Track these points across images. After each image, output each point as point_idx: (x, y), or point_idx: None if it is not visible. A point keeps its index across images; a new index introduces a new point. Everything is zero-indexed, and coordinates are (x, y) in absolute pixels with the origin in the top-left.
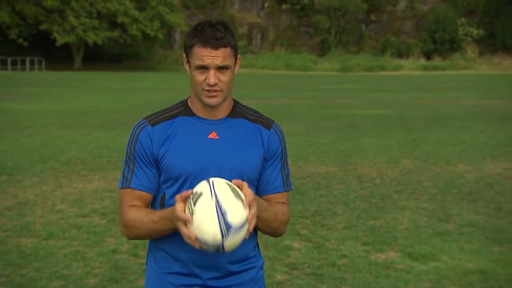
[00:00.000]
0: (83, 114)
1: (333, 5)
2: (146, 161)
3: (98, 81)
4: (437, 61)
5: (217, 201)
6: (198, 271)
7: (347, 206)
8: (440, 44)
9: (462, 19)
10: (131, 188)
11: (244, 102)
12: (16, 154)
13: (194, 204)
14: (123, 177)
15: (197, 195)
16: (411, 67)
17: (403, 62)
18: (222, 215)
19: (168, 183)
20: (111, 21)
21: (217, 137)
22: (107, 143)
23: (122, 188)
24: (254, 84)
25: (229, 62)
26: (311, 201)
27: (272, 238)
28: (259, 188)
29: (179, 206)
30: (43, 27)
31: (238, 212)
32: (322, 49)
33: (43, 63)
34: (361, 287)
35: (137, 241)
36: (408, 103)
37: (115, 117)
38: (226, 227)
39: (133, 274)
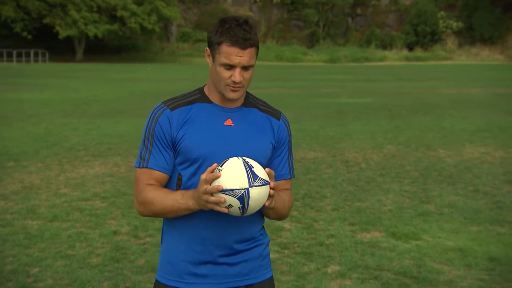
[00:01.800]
0: (85, 103)
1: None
2: (164, 143)
3: (98, 72)
4: (419, 52)
5: (244, 159)
6: (210, 248)
7: (335, 189)
8: (421, 36)
9: (442, 13)
10: (149, 168)
11: None
12: (21, 141)
13: (221, 166)
14: (141, 157)
15: (224, 162)
16: (394, 58)
17: (387, 53)
18: (249, 167)
19: (185, 165)
20: (111, 15)
21: (233, 124)
22: (107, 131)
23: (139, 167)
24: None
25: (253, 61)
26: (301, 185)
27: (266, 220)
28: None
29: (203, 176)
30: (46, 21)
31: (262, 170)
32: (311, 41)
33: (47, 55)
34: (348, 265)
35: (137, 223)
36: (392, 92)
37: (115, 106)
38: (252, 176)
39: (133, 254)
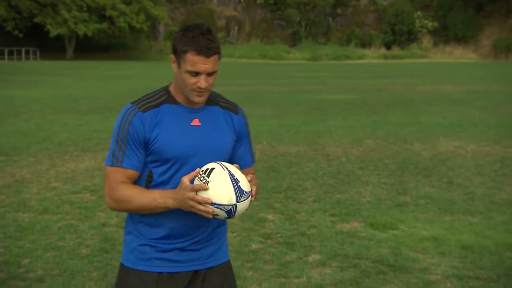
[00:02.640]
0: (75, 100)
1: (303, 0)
2: (138, 143)
3: (88, 69)
4: (396, 50)
5: (229, 172)
6: (178, 237)
7: (316, 182)
8: (399, 35)
9: (419, 13)
10: (123, 167)
11: (223, 89)
12: (13, 136)
13: (208, 176)
14: (114, 156)
15: (208, 170)
16: (373, 56)
17: (366, 51)
18: (236, 182)
19: (156, 163)
20: (100, 14)
21: (199, 124)
22: (96, 126)
23: (112, 166)
24: (232, 72)
25: (217, 67)
26: (283, 178)
27: (248, 212)
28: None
29: (188, 183)
30: (37, 20)
31: (246, 182)
32: (294, 40)
33: (38, 53)
34: (328, 254)
35: (125, 215)
36: (371, 89)
37: (104, 103)
38: (239, 191)
39: (122, 245)
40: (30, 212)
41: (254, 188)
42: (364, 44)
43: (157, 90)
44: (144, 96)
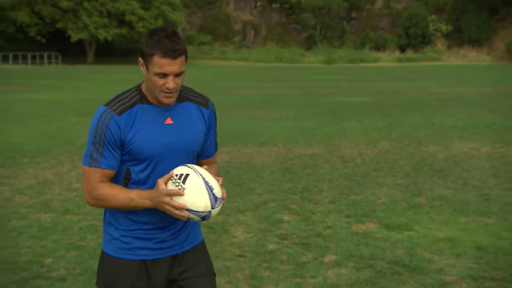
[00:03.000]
0: (95, 103)
1: (318, 4)
2: (114, 145)
3: (108, 73)
4: (410, 53)
5: (204, 179)
6: (157, 228)
7: (331, 183)
8: (413, 39)
9: (433, 16)
10: (101, 168)
11: (239, 91)
12: (35, 139)
13: (183, 183)
14: (91, 157)
15: (183, 176)
16: (387, 59)
17: (381, 54)
18: (211, 190)
19: (133, 162)
20: (120, 20)
21: (172, 122)
22: None
23: (90, 166)
24: (248, 76)
25: (184, 67)
26: (299, 179)
27: (265, 213)
28: (199, 154)
29: (163, 186)
30: (59, 25)
31: (219, 188)
32: (309, 44)
33: (59, 57)
34: (344, 255)
35: None
36: (385, 91)
37: None
38: (214, 199)
39: None
40: (52, 212)
41: (224, 191)
42: (378, 48)
43: (130, 90)
44: (117, 97)
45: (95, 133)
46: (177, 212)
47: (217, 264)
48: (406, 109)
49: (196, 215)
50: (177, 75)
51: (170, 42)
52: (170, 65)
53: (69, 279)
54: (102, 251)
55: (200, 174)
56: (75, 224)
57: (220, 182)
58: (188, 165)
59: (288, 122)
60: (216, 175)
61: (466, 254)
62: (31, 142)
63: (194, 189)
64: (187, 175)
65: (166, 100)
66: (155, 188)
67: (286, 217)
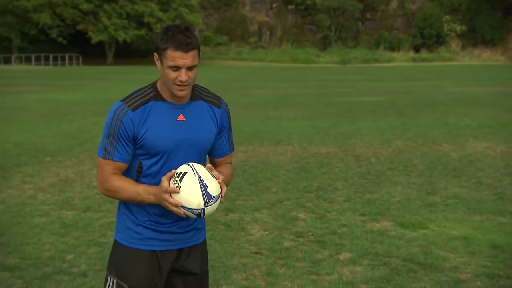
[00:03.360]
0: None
1: (333, 5)
2: (127, 139)
3: (127, 74)
4: (424, 53)
5: (200, 177)
6: (166, 221)
7: (346, 182)
8: (427, 39)
9: (447, 17)
10: (114, 160)
11: (255, 92)
12: (57, 138)
13: (180, 180)
14: (105, 150)
15: (181, 174)
16: (402, 59)
17: (395, 55)
18: (205, 188)
19: (146, 156)
20: (139, 21)
21: (184, 119)
22: None
23: (104, 158)
24: (264, 76)
25: (196, 61)
26: (314, 178)
27: (281, 211)
28: (212, 153)
29: (165, 183)
30: (79, 27)
31: (215, 187)
32: (324, 44)
33: (80, 59)
34: (359, 252)
35: None
36: (399, 91)
37: None
38: (207, 197)
39: None
40: (73, 210)
41: (224, 190)
42: (393, 48)
43: (145, 87)
44: (133, 93)
45: (110, 127)
46: (174, 208)
47: (234, 261)
48: (420, 109)
49: (191, 212)
50: (189, 68)
51: (183, 36)
52: (182, 58)
53: (90, 275)
54: (115, 240)
55: (197, 173)
56: (95, 221)
57: (220, 180)
58: (190, 163)
59: (303, 122)
60: (229, 175)
61: (481, 252)
62: (53, 141)
63: (189, 187)
64: (185, 173)
65: (179, 93)
66: (160, 185)
67: (301, 215)
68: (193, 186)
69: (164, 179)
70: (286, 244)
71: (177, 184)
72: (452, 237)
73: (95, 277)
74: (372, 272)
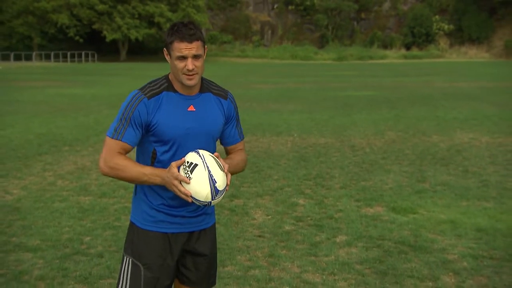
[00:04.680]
0: None
1: (330, 6)
2: (139, 124)
3: (139, 70)
4: (415, 51)
5: (209, 172)
6: (179, 205)
7: (342, 170)
8: (417, 37)
9: (436, 17)
10: (122, 141)
11: (258, 86)
12: (74, 129)
13: (191, 172)
14: (115, 130)
15: (192, 165)
16: (394, 56)
17: (388, 52)
18: (213, 183)
19: (159, 143)
20: (149, 21)
21: (194, 110)
22: None
23: (112, 138)
24: (266, 72)
25: (201, 51)
26: (313, 166)
27: (282, 197)
28: (223, 141)
29: (175, 169)
30: (95, 26)
31: (222, 181)
32: (321, 42)
33: (95, 56)
34: (354, 235)
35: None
36: (392, 86)
37: None
38: (215, 192)
39: None
40: (90, 195)
41: (229, 177)
42: (386, 46)
43: (159, 79)
44: (149, 83)
45: (125, 111)
46: (182, 195)
47: (238, 243)
48: (412, 102)
49: (198, 202)
50: (195, 57)
51: (186, 29)
52: (187, 48)
53: (106, 255)
54: (131, 222)
55: (207, 167)
56: (111, 206)
57: (226, 169)
58: (200, 153)
59: (302, 114)
60: (240, 161)
61: (467, 235)
62: (71, 132)
63: (199, 180)
64: (196, 165)
65: (188, 82)
66: (167, 169)
67: (301, 201)
68: (203, 180)
69: (174, 164)
70: (287, 227)
71: (188, 175)
72: (440, 221)
73: (111, 257)
74: (366, 253)
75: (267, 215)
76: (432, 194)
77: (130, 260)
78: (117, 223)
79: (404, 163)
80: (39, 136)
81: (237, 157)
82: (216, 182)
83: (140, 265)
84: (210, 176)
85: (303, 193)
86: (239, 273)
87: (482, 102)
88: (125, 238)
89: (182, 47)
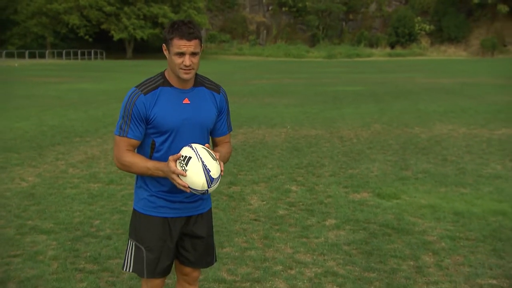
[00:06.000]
0: None
1: (321, 7)
2: (140, 119)
3: (144, 67)
4: (399, 49)
5: (203, 162)
6: (177, 192)
7: (332, 159)
8: (401, 37)
9: (418, 18)
10: (128, 137)
11: (254, 82)
12: (85, 121)
13: (186, 164)
14: (121, 128)
15: (187, 158)
16: (379, 54)
17: (374, 50)
18: (207, 172)
19: (157, 134)
20: (154, 21)
21: (189, 102)
22: None
23: (119, 136)
24: (262, 69)
25: (198, 49)
26: (304, 156)
27: (276, 184)
28: (212, 133)
29: (172, 164)
30: (103, 26)
31: (216, 169)
32: (313, 41)
33: (104, 54)
34: (342, 219)
35: None
36: (377, 82)
37: None
38: (210, 180)
39: None
40: (99, 182)
41: (222, 164)
42: (372, 44)
43: (155, 76)
44: (145, 80)
45: (125, 108)
46: (181, 187)
47: (235, 227)
48: (395, 97)
49: (196, 192)
50: (193, 54)
51: (186, 27)
52: (186, 45)
53: (113, 237)
54: (133, 209)
55: (200, 158)
56: (118, 192)
57: (217, 157)
58: (193, 146)
59: (295, 108)
60: (227, 153)
61: (445, 218)
62: (81, 125)
63: (194, 172)
64: (190, 158)
65: (185, 76)
66: (166, 163)
67: (293, 188)
68: (197, 171)
69: (171, 159)
70: (280, 212)
71: (183, 168)
72: (421, 206)
73: (118, 239)
74: (353, 235)
75: (262, 201)
76: (414, 181)
77: (134, 243)
78: (124, 208)
79: (388, 153)
80: (52, 128)
81: (224, 150)
82: (210, 171)
83: (142, 248)
84: (204, 166)
85: (296, 180)
86: (236, 253)
87: (460, 96)
88: (129, 224)
89: (181, 44)
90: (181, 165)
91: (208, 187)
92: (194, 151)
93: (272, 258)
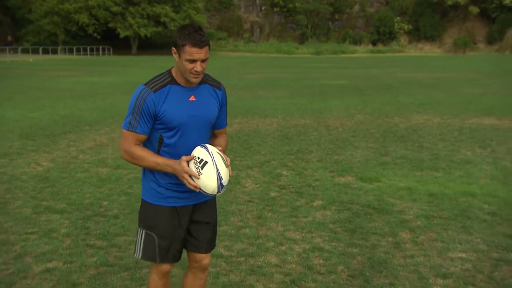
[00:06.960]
0: (138, 85)
1: (309, 8)
2: (149, 115)
3: (148, 62)
4: (380, 47)
5: (217, 169)
6: (182, 183)
7: (319, 146)
8: (382, 35)
9: (397, 18)
10: (137, 132)
11: (248, 76)
12: (93, 112)
13: (201, 168)
14: (130, 123)
15: (203, 162)
16: (362, 51)
17: (357, 47)
18: (220, 180)
19: (165, 130)
20: (156, 20)
21: (195, 99)
22: None
23: (128, 130)
24: (255, 64)
25: (208, 55)
26: (294, 143)
27: (268, 169)
28: (213, 126)
29: (185, 163)
30: (110, 25)
31: (227, 176)
32: (302, 39)
33: (111, 50)
34: (328, 200)
35: None
36: (361, 76)
37: None
38: (221, 186)
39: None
40: (107, 167)
41: (230, 169)
42: (356, 42)
43: (162, 74)
44: (153, 78)
45: (135, 105)
46: (191, 187)
47: (231, 207)
48: (377, 90)
49: (204, 193)
50: (203, 60)
51: (198, 35)
52: (198, 53)
53: (120, 217)
54: (142, 199)
55: (216, 165)
56: (124, 176)
57: (228, 162)
58: (209, 149)
59: (286, 100)
60: (225, 144)
61: (421, 199)
62: (90, 114)
63: (208, 177)
64: (206, 162)
65: (194, 80)
66: (178, 161)
67: (284, 172)
68: (211, 177)
69: (184, 159)
70: (272, 194)
71: (198, 171)
72: (399, 188)
73: (125, 218)
74: (338, 215)
75: (256, 184)
76: (393, 166)
77: (144, 231)
78: (130, 190)
79: (370, 140)
80: (63, 117)
81: (223, 142)
82: (222, 179)
83: (153, 235)
84: (218, 173)
85: (286, 165)
86: (232, 231)
87: (435, 90)
88: (138, 213)
89: (194, 52)
90: (196, 167)
91: (217, 193)
92: (211, 156)
93: (264, 236)
